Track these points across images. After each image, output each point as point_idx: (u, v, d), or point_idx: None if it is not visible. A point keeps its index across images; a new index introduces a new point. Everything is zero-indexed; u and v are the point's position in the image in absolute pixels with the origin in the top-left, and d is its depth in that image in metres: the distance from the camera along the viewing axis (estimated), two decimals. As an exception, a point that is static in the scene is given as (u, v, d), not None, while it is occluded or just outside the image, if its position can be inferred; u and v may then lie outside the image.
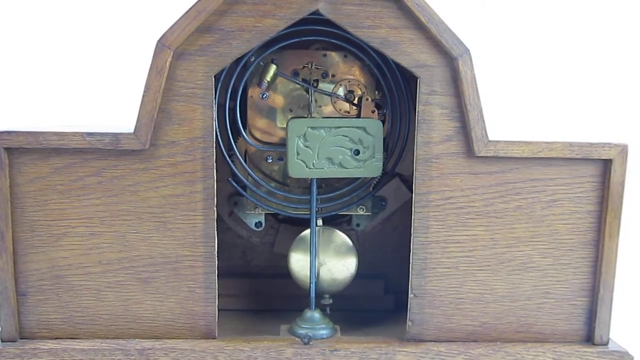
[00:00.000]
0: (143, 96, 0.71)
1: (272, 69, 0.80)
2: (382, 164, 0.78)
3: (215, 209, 0.74)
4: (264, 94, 0.82)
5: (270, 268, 0.92)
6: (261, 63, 0.80)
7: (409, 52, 0.72)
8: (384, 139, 0.81)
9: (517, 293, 0.77)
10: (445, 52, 0.71)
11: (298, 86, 0.83)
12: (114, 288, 0.76)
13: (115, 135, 0.72)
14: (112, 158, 0.73)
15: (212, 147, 0.73)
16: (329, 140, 0.77)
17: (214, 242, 0.75)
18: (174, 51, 0.70)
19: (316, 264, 0.81)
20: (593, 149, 0.74)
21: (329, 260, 0.83)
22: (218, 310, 0.77)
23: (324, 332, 0.79)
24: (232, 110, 0.81)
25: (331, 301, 0.84)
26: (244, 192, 0.83)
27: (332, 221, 0.90)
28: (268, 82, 0.80)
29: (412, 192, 0.76)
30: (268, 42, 0.74)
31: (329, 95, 0.82)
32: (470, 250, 0.76)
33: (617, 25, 1.27)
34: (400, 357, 0.76)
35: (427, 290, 0.77)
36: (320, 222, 0.84)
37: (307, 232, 0.84)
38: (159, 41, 0.70)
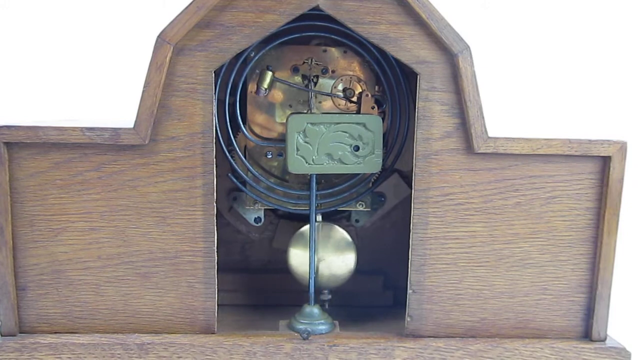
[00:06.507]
0: (143, 91, 0.71)
1: (268, 75, 0.80)
2: (381, 160, 0.78)
3: (214, 204, 0.75)
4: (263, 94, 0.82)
5: (270, 263, 0.92)
6: (257, 71, 0.81)
7: (409, 49, 0.72)
8: (384, 135, 0.81)
9: (515, 289, 0.77)
10: (445, 48, 0.71)
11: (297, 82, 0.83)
12: (113, 283, 0.76)
13: (115, 130, 0.72)
14: (112, 153, 0.73)
15: (212, 142, 0.73)
16: (329, 136, 0.77)
17: (214, 237, 0.75)
18: (174, 46, 0.70)
19: (315, 259, 0.82)
20: (592, 146, 0.74)
21: (327, 256, 0.83)
22: (217, 305, 0.77)
23: (322, 328, 0.79)
24: (232, 105, 0.81)
25: (330, 297, 0.84)
26: (243, 188, 0.83)
27: (332, 217, 0.90)
28: (266, 89, 0.80)
29: (411, 188, 0.76)
30: (268, 37, 0.74)
31: (327, 95, 0.82)
32: (469, 247, 0.76)
33: (616, 24, 1.27)
34: (399, 352, 0.76)
35: (425, 286, 0.77)
36: (319, 217, 0.84)
37: (306, 227, 0.84)
38: (159, 36, 0.70)
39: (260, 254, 0.93)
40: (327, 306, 0.84)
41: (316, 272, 0.82)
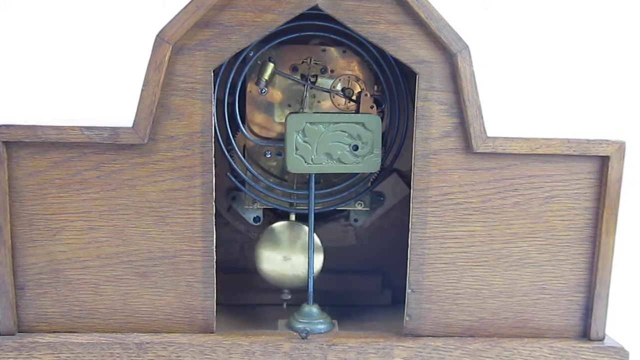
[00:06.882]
0: (142, 91, 0.71)
1: (270, 67, 0.80)
2: (380, 160, 0.78)
3: (213, 203, 0.75)
4: (262, 89, 0.82)
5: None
6: (258, 62, 0.81)
7: (408, 48, 0.72)
8: (383, 134, 0.81)
9: (514, 289, 0.77)
10: (444, 48, 0.72)
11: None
12: (112, 282, 0.76)
13: (114, 129, 0.72)
14: (111, 152, 0.73)
15: (211, 142, 0.73)
16: (328, 136, 0.77)
17: (213, 236, 0.75)
18: (173, 46, 0.70)
19: (281, 257, 0.82)
20: (591, 146, 0.74)
21: (294, 256, 0.83)
22: (216, 304, 0.77)
23: (321, 327, 0.79)
24: (231, 105, 0.81)
25: (290, 297, 0.84)
26: (242, 187, 0.83)
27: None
28: (266, 80, 0.80)
29: (410, 188, 0.76)
30: (267, 37, 0.74)
31: (326, 91, 0.82)
32: (467, 246, 0.76)
33: (615, 24, 1.27)
34: (398, 351, 0.76)
35: (424, 285, 0.77)
36: (292, 217, 0.84)
37: (276, 224, 0.84)
38: (158, 35, 0.70)
39: (259, 254, 0.93)
40: (285, 306, 0.84)
41: (280, 271, 0.82)
